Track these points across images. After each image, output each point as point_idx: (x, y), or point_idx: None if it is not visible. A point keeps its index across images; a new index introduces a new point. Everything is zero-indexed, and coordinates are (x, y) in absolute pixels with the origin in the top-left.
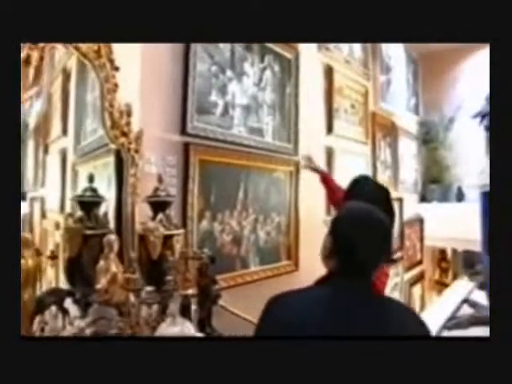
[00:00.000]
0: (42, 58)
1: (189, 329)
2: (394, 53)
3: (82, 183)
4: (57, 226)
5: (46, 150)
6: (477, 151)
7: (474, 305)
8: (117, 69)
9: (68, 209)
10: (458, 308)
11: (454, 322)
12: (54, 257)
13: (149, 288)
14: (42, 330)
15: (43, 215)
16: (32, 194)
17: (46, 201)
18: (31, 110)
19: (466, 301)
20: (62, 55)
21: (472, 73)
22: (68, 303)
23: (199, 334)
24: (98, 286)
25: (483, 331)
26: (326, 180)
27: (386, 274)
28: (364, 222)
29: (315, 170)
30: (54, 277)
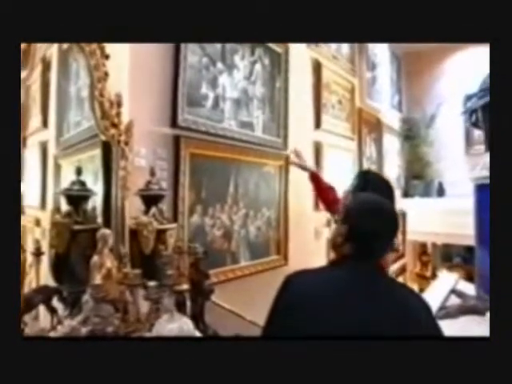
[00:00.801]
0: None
1: (187, 324)
2: (379, 50)
3: (66, 177)
4: (37, 222)
5: (23, 143)
6: (457, 148)
7: (460, 295)
8: (107, 57)
9: (49, 204)
10: (446, 298)
11: (444, 311)
12: (39, 253)
13: (151, 283)
14: (22, 331)
15: (21, 211)
16: None
17: (24, 196)
18: None
19: (453, 291)
20: (42, 44)
21: (453, 71)
22: (55, 302)
23: (197, 332)
24: (95, 282)
25: (471, 320)
26: (315, 178)
27: (385, 261)
28: (378, 211)
29: (304, 168)
30: (34, 274)
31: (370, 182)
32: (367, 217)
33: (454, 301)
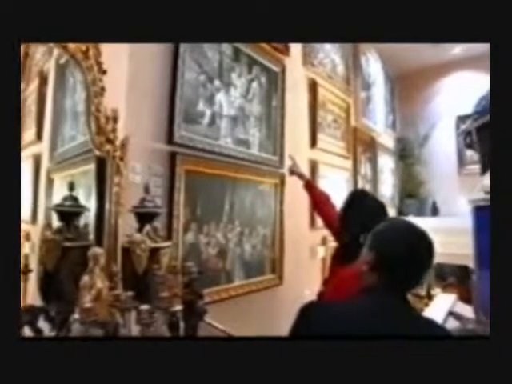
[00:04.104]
0: (27, 55)
1: None
2: (373, 71)
3: (58, 192)
4: (27, 236)
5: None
6: (450, 167)
7: (459, 317)
8: (104, 72)
9: (41, 218)
10: (445, 321)
11: None
12: (27, 271)
13: (144, 306)
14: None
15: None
16: None
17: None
18: None
19: (451, 313)
20: (40, 57)
21: (445, 93)
22: (41, 322)
23: None
24: (84, 305)
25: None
26: (311, 187)
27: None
28: (410, 236)
29: (302, 176)
30: (22, 293)
31: (356, 200)
32: (398, 242)
33: (453, 323)
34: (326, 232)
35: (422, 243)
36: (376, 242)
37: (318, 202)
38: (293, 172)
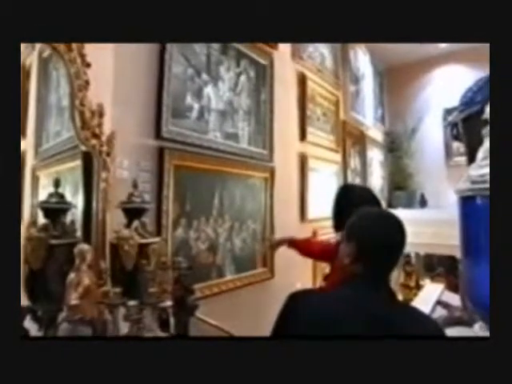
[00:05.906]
0: None
1: None
2: (362, 65)
3: (43, 189)
4: None
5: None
6: (437, 159)
7: (446, 306)
8: (88, 65)
9: (26, 216)
10: (433, 310)
11: None
12: None
13: (132, 302)
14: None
15: None
16: None
17: None
18: None
19: (438, 302)
20: (22, 51)
21: (432, 86)
22: (27, 322)
23: None
24: (71, 302)
25: (459, 331)
26: (294, 244)
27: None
28: (384, 223)
29: (281, 242)
30: None
31: (349, 194)
32: (376, 230)
33: (441, 312)
34: (316, 225)
35: (396, 228)
36: (354, 233)
37: (306, 252)
38: (273, 246)
